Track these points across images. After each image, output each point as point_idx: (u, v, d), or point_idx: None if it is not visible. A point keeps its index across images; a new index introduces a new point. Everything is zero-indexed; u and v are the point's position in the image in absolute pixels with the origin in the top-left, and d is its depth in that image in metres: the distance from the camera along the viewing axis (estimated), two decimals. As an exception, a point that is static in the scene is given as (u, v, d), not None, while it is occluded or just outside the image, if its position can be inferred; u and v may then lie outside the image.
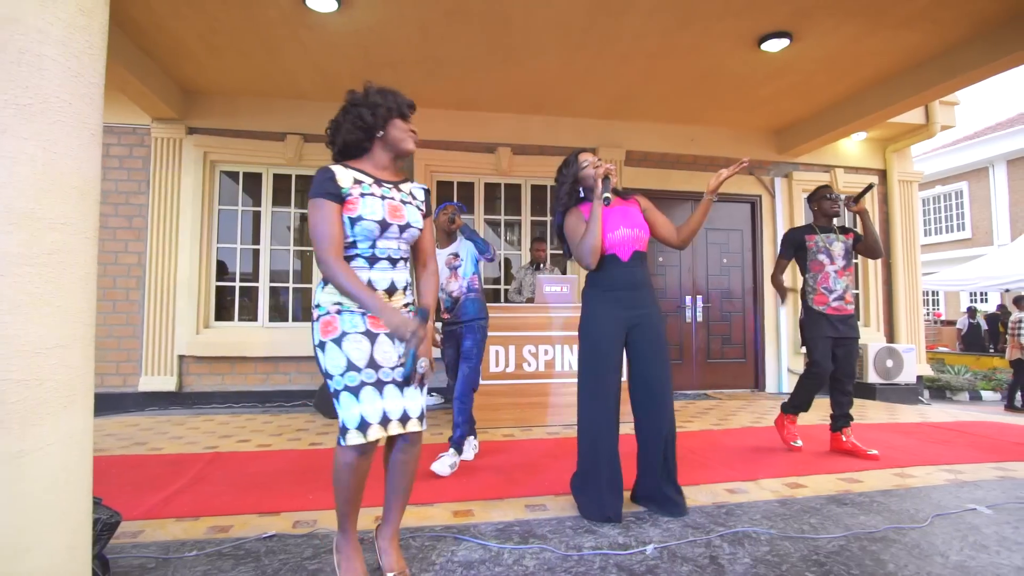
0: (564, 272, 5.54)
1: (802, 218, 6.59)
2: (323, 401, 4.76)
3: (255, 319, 5.54)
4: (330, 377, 1.69)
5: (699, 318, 6.37)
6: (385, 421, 1.67)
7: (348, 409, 1.65)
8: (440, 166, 5.84)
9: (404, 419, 1.70)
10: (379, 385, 1.68)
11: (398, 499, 1.83)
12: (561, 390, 4.41)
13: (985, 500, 2.58)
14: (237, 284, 5.58)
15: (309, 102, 5.52)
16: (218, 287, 5.50)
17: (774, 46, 4.42)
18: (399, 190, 1.83)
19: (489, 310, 3.51)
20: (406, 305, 1.84)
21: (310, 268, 5.69)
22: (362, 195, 1.72)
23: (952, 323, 14.24)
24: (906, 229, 6.77)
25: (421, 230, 1.82)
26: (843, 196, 3.58)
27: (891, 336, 6.71)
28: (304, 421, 4.61)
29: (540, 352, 4.42)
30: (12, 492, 1.24)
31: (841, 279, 3.45)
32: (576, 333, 4.33)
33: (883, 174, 6.77)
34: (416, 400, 1.75)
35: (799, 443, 3.54)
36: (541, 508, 2.52)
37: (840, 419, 3.47)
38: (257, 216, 5.63)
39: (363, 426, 1.63)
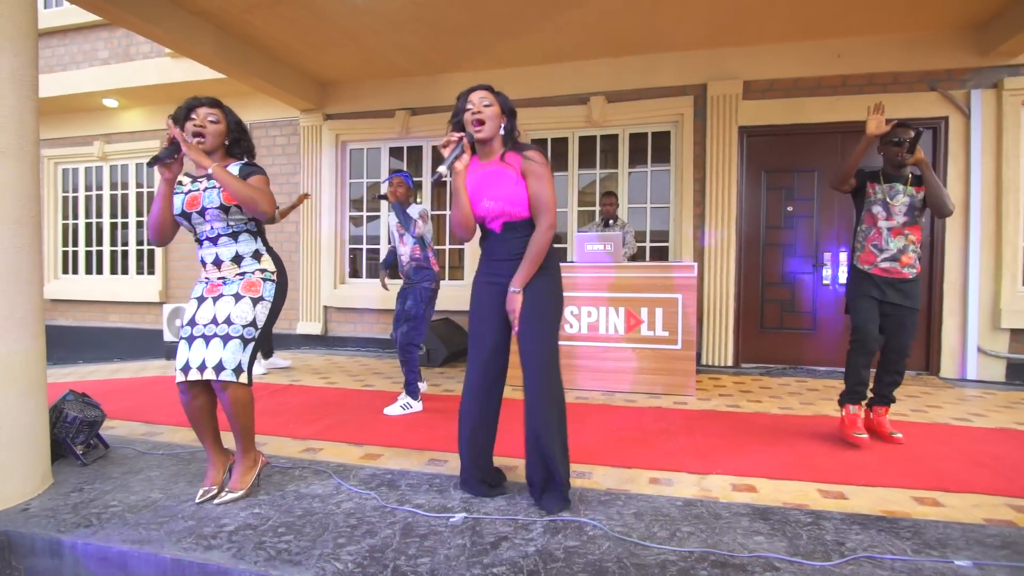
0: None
1: (1020, 144, 4.72)
2: (409, 349, 5.38)
3: (374, 276, 6.45)
4: None
5: (842, 279, 5.16)
6: (186, 368, 2.07)
7: None
8: (529, 124, 5.78)
9: (186, 368, 2.06)
10: (190, 339, 2.09)
11: (233, 433, 2.20)
12: (605, 354, 4.20)
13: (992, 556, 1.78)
14: (364, 247, 6.56)
15: (413, 78, 6.03)
16: (351, 248, 6.55)
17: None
18: (209, 178, 2.11)
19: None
20: (242, 274, 2.14)
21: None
22: (176, 193, 2.15)
23: None
24: None
25: (220, 206, 2.08)
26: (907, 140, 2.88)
27: None
28: (390, 366, 5.32)
29: (583, 314, 4.25)
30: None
31: (896, 238, 2.96)
32: (616, 295, 4.07)
33: None
34: (200, 353, 2.05)
35: (863, 435, 2.86)
36: (440, 463, 2.63)
37: (878, 398, 3.08)
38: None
39: (175, 370, 2.09)
